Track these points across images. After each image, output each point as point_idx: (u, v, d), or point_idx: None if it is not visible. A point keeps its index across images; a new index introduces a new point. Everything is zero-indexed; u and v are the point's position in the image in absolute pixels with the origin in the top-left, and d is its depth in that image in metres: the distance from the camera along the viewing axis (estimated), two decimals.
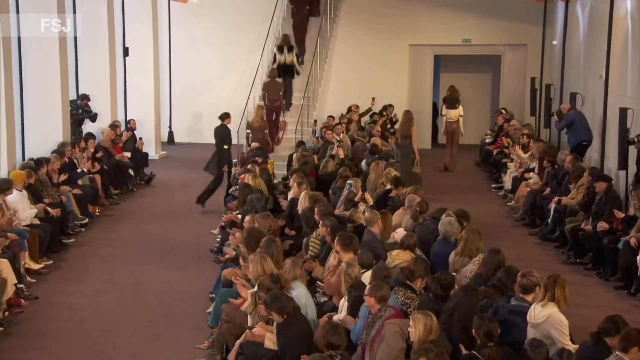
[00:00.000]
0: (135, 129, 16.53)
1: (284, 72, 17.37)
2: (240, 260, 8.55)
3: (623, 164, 11.53)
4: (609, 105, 13.54)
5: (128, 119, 16.59)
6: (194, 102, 20.81)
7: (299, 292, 7.14)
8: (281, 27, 19.39)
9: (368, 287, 6.58)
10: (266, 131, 15.63)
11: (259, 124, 15.51)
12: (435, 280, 6.76)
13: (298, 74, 17.89)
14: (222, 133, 13.98)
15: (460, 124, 17.86)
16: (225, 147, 13.92)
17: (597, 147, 14.05)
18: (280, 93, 16.61)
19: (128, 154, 15.36)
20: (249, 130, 16.04)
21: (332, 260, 7.98)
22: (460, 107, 18.00)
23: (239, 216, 10.53)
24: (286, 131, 16.90)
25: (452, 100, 18.07)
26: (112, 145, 15.09)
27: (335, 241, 7.91)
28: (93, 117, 15.66)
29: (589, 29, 15.66)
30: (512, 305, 6.45)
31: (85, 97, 15.60)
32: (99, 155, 14.27)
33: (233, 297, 7.83)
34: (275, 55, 17.75)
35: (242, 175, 11.95)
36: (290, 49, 17.67)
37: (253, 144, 15.20)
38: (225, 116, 14.12)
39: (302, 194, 10.35)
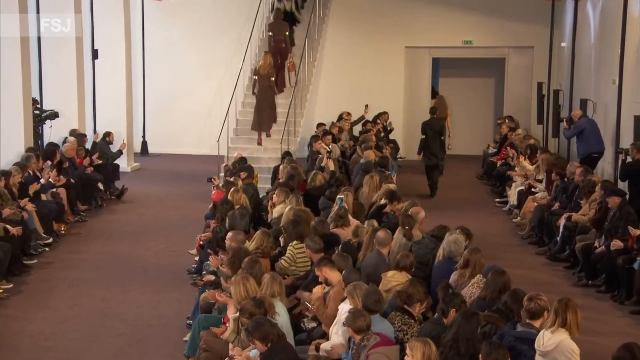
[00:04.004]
0: (112, 143, 16.46)
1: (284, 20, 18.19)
2: (223, 283, 8.48)
3: None
4: (622, 112, 13.62)
5: (106, 131, 16.55)
6: (170, 109, 20.78)
7: (282, 320, 7.08)
8: None
9: (346, 316, 6.55)
10: (272, 79, 16.65)
11: (267, 71, 16.56)
12: None
13: (299, 22, 19.00)
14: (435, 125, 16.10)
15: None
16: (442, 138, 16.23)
17: (610, 159, 14.10)
18: (287, 33, 17.73)
19: (95, 156, 15.29)
20: (255, 77, 16.90)
21: (318, 290, 7.86)
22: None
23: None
24: (296, 71, 17.75)
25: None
26: (76, 157, 15.00)
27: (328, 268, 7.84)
28: (52, 116, 15.44)
29: (601, 30, 15.77)
30: (518, 332, 6.44)
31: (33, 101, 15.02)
32: (64, 166, 14.19)
33: (213, 323, 7.78)
34: (273, 3, 18.79)
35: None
36: None
37: (236, 154, 15.19)
38: (435, 111, 16.84)
39: (287, 208, 10.34)
